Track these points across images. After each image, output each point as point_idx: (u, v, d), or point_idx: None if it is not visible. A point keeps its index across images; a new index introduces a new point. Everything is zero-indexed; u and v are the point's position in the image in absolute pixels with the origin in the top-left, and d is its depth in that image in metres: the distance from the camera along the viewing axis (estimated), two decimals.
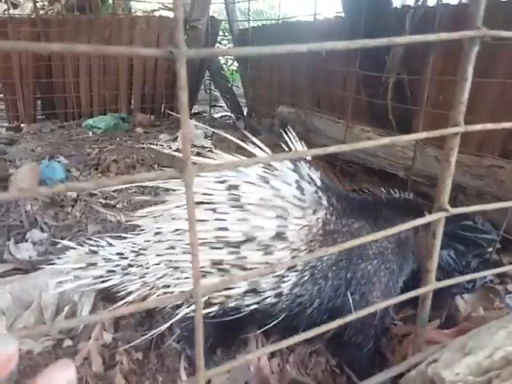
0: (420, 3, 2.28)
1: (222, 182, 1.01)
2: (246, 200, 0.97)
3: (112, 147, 2.87)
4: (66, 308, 1.26)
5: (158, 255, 1.02)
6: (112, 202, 2.02)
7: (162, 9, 6.69)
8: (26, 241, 1.68)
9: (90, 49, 0.40)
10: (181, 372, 1.10)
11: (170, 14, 5.75)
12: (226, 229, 0.95)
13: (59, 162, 2.48)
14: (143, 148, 2.81)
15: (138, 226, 1.15)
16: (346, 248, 0.49)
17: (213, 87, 4.51)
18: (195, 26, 3.85)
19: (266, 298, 0.99)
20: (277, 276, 0.98)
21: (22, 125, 3.55)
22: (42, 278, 1.31)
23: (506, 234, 1.51)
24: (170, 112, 3.81)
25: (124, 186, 2.15)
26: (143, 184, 2.17)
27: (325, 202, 1.06)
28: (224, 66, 6.58)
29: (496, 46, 1.64)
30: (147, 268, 1.04)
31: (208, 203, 0.97)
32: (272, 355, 1.15)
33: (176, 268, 0.99)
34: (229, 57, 6.47)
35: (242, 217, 0.95)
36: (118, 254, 1.15)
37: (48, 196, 1.98)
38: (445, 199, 0.66)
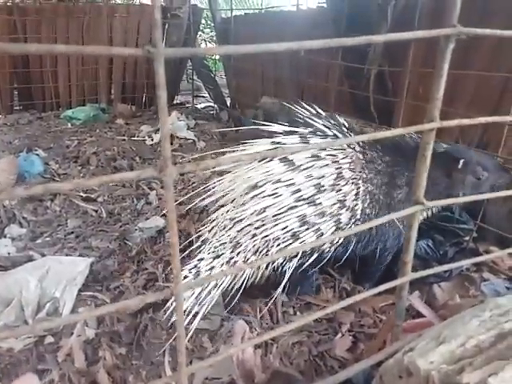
0: None
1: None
2: (299, 162, 1.14)
3: (92, 139, 2.81)
4: (48, 305, 1.24)
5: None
6: (93, 196, 1.99)
7: None
8: (5, 236, 1.64)
9: (67, 49, 0.39)
10: (165, 366, 1.10)
11: (150, 2, 5.59)
12: (299, 190, 1.12)
13: (37, 154, 2.42)
14: (124, 140, 2.77)
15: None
16: None
17: (195, 77, 4.44)
18: (176, 14, 3.77)
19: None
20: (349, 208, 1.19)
21: None
22: (22, 275, 1.29)
23: (482, 223, 1.56)
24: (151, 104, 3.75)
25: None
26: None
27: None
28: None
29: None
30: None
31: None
32: (256, 347, 1.17)
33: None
34: (213, 44, 6.38)
35: (306, 174, 1.13)
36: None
37: (29, 195, 1.93)
38: (421, 193, 0.68)
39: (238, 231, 1.16)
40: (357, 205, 1.20)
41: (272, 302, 1.35)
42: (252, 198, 1.13)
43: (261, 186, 1.13)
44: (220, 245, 1.19)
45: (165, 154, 0.47)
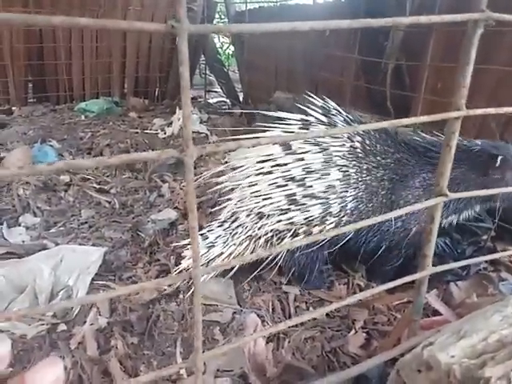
0: None
1: None
2: (295, 146, 1.21)
3: (105, 131, 2.83)
4: (61, 292, 1.25)
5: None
6: (106, 187, 2.00)
7: None
8: (19, 225, 1.65)
9: (90, 22, 0.38)
10: (177, 357, 1.10)
11: None
12: (288, 170, 1.19)
13: (51, 145, 2.44)
14: (137, 133, 2.77)
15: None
16: None
17: (208, 72, 4.43)
18: (191, 7, 3.76)
19: (339, 216, 1.24)
20: (339, 196, 1.23)
21: (14, 108, 3.48)
22: (35, 263, 1.29)
23: (501, 222, 1.52)
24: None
25: (118, 172, 2.13)
26: (137, 169, 2.15)
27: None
28: (220, 50, 6.47)
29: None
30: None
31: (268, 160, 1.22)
32: (268, 341, 1.16)
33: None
34: (225, 40, 6.36)
35: (296, 158, 1.20)
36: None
37: (41, 180, 1.95)
38: (444, 184, 0.65)
39: (237, 202, 1.27)
40: (347, 192, 1.23)
41: (285, 296, 1.34)
42: (250, 175, 1.24)
43: (260, 163, 1.23)
44: (225, 218, 1.31)
45: (186, 135, 0.46)
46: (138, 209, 1.82)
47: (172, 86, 4.04)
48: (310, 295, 1.35)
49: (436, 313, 1.16)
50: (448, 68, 1.77)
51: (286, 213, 1.22)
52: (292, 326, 1.21)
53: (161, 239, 1.57)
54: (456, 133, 0.62)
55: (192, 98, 3.25)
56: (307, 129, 1.24)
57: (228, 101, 4.09)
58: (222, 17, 5.79)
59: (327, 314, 1.27)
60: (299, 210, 1.22)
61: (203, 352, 0.51)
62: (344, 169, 1.23)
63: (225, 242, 1.27)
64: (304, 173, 1.20)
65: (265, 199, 1.22)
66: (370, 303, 1.31)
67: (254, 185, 1.23)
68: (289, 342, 1.16)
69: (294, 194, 1.21)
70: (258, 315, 1.24)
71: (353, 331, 1.21)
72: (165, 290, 1.29)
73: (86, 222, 1.69)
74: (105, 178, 2.10)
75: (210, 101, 4.26)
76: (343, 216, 1.24)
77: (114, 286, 1.30)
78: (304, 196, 1.21)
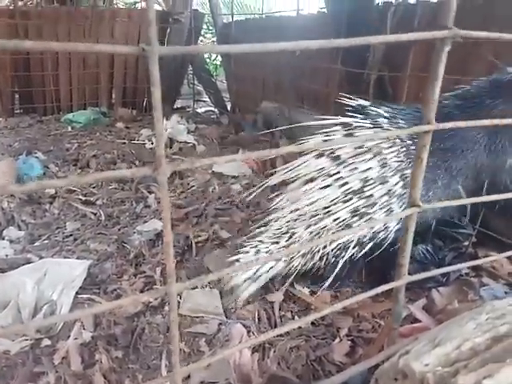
0: (401, 0, 2.31)
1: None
2: (346, 156, 1.21)
3: (92, 142, 2.82)
4: (45, 307, 1.24)
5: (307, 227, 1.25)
6: (92, 199, 1.99)
7: (144, 0, 6.57)
8: (3, 239, 1.64)
9: (62, 46, 0.39)
10: (162, 370, 1.10)
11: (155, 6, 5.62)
12: (346, 183, 1.19)
13: (37, 157, 2.42)
14: (124, 143, 2.77)
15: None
16: None
17: (196, 82, 4.46)
18: (178, 19, 3.80)
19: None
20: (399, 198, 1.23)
21: (0, 119, 3.45)
22: (19, 277, 1.28)
23: (482, 228, 1.55)
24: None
25: (104, 183, 2.12)
26: (124, 180, 2.15)
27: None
28: (208, 59, 6.52)
29: None
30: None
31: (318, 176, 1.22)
32: (253, 351, 1.16)
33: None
34: None
35: (352, 168, 1.19)
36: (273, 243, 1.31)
37: (25, 193, 1.94)
38: (417, 195, 0.68)
39: (294, 221, 1.27)
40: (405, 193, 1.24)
41: (270, 305, 1.35)
42: (305, 191, 1.23)
43: (313, 180, 1.23)
44: (278, 232, 1.31)
45: (159, 153, 0.47)
46: (124, 220, 1.82)
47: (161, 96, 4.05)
48: (295, 304, 1.36)
49: (417, 320, 1.18)
50: (428, 78, 1.82)
51: (351, 226, 1.21)
52: (277, 336, 1.22)
53: (147, 250, 1.57)
54: (427, 146, 0.64)
55: (180, 108, 3.30)
56: (351, 133, 1.23)
57: (216, 110, 4.12)
58: (210, 27, 5.85)
59: (312, 323, 1.28)
60: (363, 220, 1.22)
61: (187, 365, 0.52)
62: (402, 172, 1.23)
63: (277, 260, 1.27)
64: (362, 183, 1.19)
65: (327, 214, 1.20)
66: (354, 311, 1.33)
67: (312, 202, 1.21)
68: (274, 351, 1.17)
69: (357, 208, 1.20)
70: (243, 325, 1.24)
71: (337, 339, 1.22)
72: (150, 302, 1.29)
73: (71, 235, 1.68)
74: (91, 190, 2.09)
75: (199, 110, 4.28)
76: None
77: (98, 299, 1.30)
78: (366, 206, 1.20)
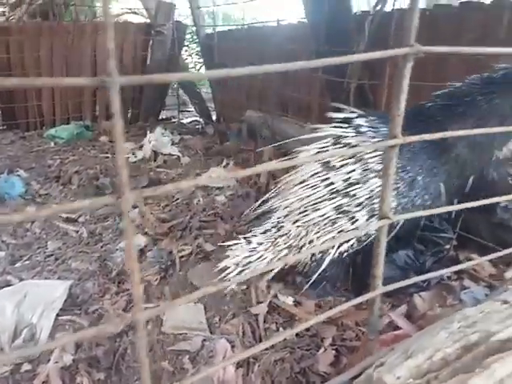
0: (378, 9, 2.35)
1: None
2: (335, 161, 1.31)
3: (74, 158, 2.80)
4: (25, 331, 1.22)
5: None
6: (74, 216, 1.97)
7: (128, 13, 6.58)
8: None
9: (17, 81, 0.39)
10: None
11: (137, 19, 5.66)
12: (332, 183, 1.29)
13: (19, 175, 2.39)
14: (107, 157, 2.75)
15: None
16: None
17: (181, 92, 4.47)
18: (160, 31, 3.81)
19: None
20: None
21: None
22: None
23: (462, 231, 1.58)
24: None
25: (87, 198, 2.10)
26: (107, 194, 2.13)
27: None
28: (193, 69, 6.54)
29: None
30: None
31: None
32: (237, 366, 1.15)
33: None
34: (197, 60, 6.44)
35: (336, 172, 1.30)
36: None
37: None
38: (387, 208, 0.68)
39: (284, 216, 1.39)
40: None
41: (254, 318, 1.35)
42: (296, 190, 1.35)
43: (304, 181, 1.35)
44: (270, 226, 1.43)
45: (122, 181, 0.47)
46: (107, 237, 1.80)
47: (145, 107, 4.05)
48: (280, 315, 1.36)
49: (398, 327, 1.19)
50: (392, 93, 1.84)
51: (336, 223, 1.32)
52: (262, 350, 1.21)
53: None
54: (394, 160, 0.65)
55: (166, 119, 3.30)
56: (339, 143, 1.34)
57: (201, 120, 4.12)
58: (195, 37, 5.88)
59: (297, 334, 1.28)
60: (348, 218, 1.31)
61: None
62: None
63: (266, 249, 1.38)
64: (346, 184, 1.30)
65: (314, 211, 1.32)
66: (338, 319, 1.33)
67: (301, 199, 1.33)
68: (259, 366, 1.16)
69: (341, 205, 1.30)
70: (228, 340, 1.24)
71: (322, 349, 1.22)
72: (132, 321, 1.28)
73: (52, 255, 1.65)
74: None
75: (184, 121, 4.28)
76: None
77: (79, 320, 1.28)
78: (350, 205, 1.30)
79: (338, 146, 1.34)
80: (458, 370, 0.60)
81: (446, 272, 1.32)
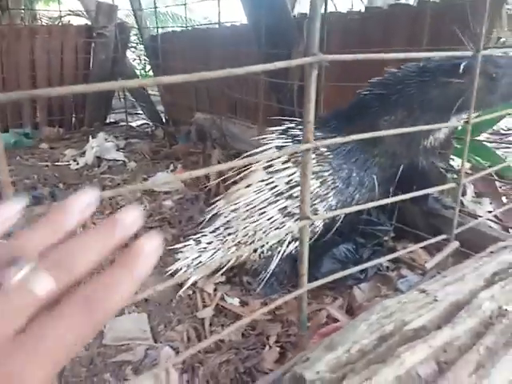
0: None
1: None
2: (278, 166, 1.40)
3: (10, 168, 2.62)
4: None
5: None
6: None
7: (70, 15, 6.31)
8: None
9: None
10: None
11: (79, 21, 5.44)
12: (276, 186, 1.36)
13: None
14: (47, 166, 2.62)
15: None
16: None
17: (128, 94, 4.34)
18: (102, 33, 3.68)
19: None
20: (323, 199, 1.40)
21: None
22: None
23: (399, 223, 1.66)
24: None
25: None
26: None
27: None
28: (141, 71, 6.39)
29: None
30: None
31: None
32: (182, 372, 1.14)
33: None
34: (145, 61, 6.30)
35: (279, 176, 1.37)
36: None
37: None
38: (307, 209, 0.71)
39: (232, 218, 1.44)
40: (328, 193, 1.39)
41: (200, 322, 1.34)
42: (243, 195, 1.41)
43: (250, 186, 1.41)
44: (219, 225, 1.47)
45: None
46: None
47: (89, 112, 3.90)
48: (226, 317, 1.37)
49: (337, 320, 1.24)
50: (342, 87, 1.91)
51: (284, 224, 1.37)
52: (207, 353, 1.21)
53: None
54: (309, 163, 0.67)
55: (113, 123, 3.21)
56: (282, 147, 1.43)
57: (151, 123, 4.03)
58: (141, 39, 5.74)
59: (242, 334, 1.29)
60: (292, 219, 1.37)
61: None
62: (320, 174, 1.38)
63: (215, 248, 1.42)
64: (288, 187, 1.36)
65: (260, 214, 1.38)
66: (283, 316, 1.35)
67: (248, 204, 1.39)
68: (203, 370, 1.16)
69: (286, 207, 1.37)
70: (172, 347, 1.22)
71: (267, 347, 1.24)
72: None
73: None
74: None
75: (134, 124, 4.16)
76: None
77: None
78: (293, 206, 1.36)
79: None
80: (371, 361, 0.61)
81: (381, 261, 1.40)
